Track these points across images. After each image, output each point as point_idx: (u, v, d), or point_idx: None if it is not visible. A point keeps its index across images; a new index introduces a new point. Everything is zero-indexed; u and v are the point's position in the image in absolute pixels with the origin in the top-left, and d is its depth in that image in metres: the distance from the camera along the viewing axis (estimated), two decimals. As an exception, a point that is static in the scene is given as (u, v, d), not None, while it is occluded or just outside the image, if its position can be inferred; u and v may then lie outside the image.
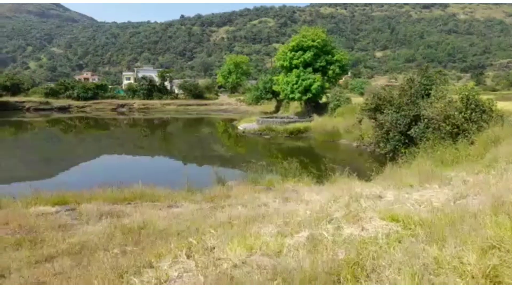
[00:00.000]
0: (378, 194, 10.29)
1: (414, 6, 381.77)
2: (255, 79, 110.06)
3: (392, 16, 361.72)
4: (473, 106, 20.78)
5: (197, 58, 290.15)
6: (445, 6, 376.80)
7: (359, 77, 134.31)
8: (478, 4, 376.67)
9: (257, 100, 68.53)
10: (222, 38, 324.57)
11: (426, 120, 22.70)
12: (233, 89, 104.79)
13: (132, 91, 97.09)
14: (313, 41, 48.01)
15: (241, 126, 48.91)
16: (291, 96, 48.29)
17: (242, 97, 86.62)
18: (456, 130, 20.60)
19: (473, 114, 20.48)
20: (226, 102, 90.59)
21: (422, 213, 7.72)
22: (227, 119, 67.44)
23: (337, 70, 49.19)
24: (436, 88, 24.74)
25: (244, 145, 39.56)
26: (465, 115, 20.57)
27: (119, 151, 38.85)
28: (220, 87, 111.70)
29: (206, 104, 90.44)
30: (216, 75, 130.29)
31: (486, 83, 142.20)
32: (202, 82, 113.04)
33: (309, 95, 47.01)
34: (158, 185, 13.26)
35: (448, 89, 24.36)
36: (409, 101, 25.62)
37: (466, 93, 21.07)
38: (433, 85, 25.61)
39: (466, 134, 19.65)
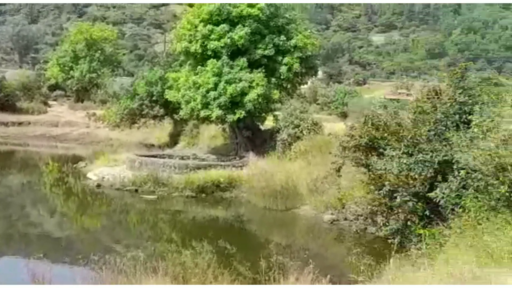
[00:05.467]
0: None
1: None
2: (131, 75, 70.76)
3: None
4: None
5: (3, 24, 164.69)
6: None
7: (339, 82, 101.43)
8: None
9: (133, 118, 45.96)
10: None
11: (462, 173, 16.70)
12: (83, 94, 71.20)
13: None
14: (251, 6, 33.68)
15: (96, 172, 33.26)
16: (203, 113, 33.29)
17: (101, 111, 58.24)
18: (518, 193, 15.38)
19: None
20: (65, 120, 60.85)
21: None
22: (66, 156, 46.60)
23: (296, 66, 34.16)
24: (482, 111, 18.27)
25: (100, 214, 26.93)
26: (535, 167, 15.15)
27: None
28: (54, 87, 76.12)
29: (21, 123, 59.14)
30: (44, 62, 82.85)
31: None
32: (13, 76, 73.50)
33: (240, 112, 32.46)
34: None
35: (505, 114, 18.30)
36: (433, 134, 19.23)
37: (537, 124, 15.16)
38: (475, 106, 19.03)
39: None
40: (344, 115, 53.08)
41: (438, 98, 19.97)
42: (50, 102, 71.41)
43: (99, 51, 71.44)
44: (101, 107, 60.53)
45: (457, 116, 19.06)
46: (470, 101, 19.17)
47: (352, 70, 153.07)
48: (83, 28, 73.54)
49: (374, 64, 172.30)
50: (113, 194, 29.34)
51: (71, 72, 70.86)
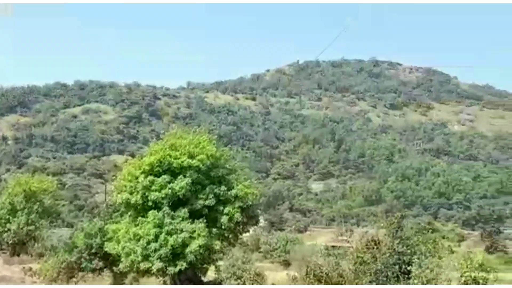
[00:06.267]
0: None
1: (374, 102, 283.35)
2: (70, 226, 74.74)
3: (338, 117, 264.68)
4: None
5: None
6: (426, 108, 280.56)
7: (281, 230, 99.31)
8: (482, 108, 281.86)
9: (71, 271, 43.00)
10: (3, 139, 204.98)
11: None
12: (19, 247, 67.56)
13: None
14: (192, 157, 33.92)
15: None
16: (143, 265, 32.04)
17: (37, 265, 52.15)
18: None
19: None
20: (-1, 276, 55.95)
21: None
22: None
23: (237, 215, 33.78)
24: (420, 261, 17.72)
25: None
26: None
27: None
28: None
29: None
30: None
31: (509, 251, 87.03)
32: None
33: (181, 264, 31.45)
34: None
35: (443, 264, 17.74)
36: (374, 284, 18.21)
37: (473, 274, 14.72)
38: (414, 256, 18.41)
39: None
40: (287, 263, 51.74)
41: (377, 248, 19.32)
42: (-15, 258, 67.57)
43: (38, 203, 67.99)
44: (38, 261, 56.74)
45: (397, 267, 18.45)
46: (409, 251, 18.65)
47: (293, 217, 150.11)
48: (22, 180, 71.14)
49: (314, 211, 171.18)
50: None
51: (8, 225, 67.56)
